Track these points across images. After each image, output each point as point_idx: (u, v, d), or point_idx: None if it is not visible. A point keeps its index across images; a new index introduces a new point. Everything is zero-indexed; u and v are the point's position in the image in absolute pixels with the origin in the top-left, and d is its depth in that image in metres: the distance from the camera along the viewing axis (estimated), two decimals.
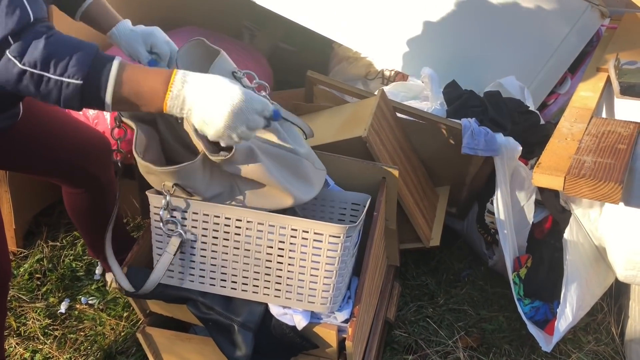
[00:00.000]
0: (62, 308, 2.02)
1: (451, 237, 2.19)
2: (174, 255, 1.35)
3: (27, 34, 1.02)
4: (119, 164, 1.44)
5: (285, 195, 1.35)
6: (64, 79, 1.04)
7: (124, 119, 1.33)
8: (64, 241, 2.26)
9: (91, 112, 2.00)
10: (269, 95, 1.33)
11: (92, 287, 2.10)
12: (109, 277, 2.09)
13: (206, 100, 1.10)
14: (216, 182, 1.33)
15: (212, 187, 1.32)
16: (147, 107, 1.11)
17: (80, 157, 1.67)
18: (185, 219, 1.36)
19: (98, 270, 2.14)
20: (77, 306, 2.04)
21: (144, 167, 1.29)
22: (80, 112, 2.00)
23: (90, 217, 1.84)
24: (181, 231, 1.34)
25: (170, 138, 1.40)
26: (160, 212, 1.33)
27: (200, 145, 1.26)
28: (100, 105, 1.09)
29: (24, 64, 1.02)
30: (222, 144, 1.19)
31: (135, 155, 1.29)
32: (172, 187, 1.29)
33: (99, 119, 1.99)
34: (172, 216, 1.35)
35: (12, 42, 1.01)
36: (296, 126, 1.44)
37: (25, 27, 1.02)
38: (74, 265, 2.18)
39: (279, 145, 1.36)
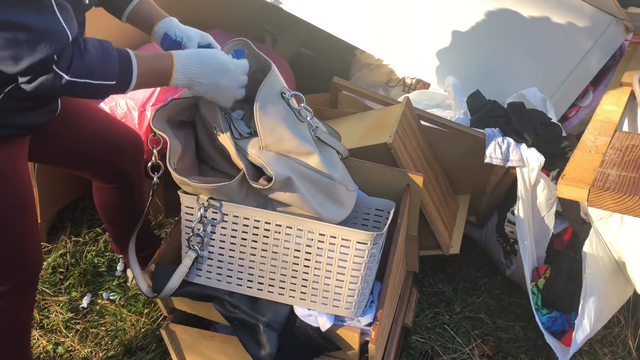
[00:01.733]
0: (84, 303, 2.05)
1: (469, 246, 2.20)
2: (189, 268, 1.42)
3: (67, 50, 1.19)
4: (156, 179, 1.48)
5: (316, 217, 1.39)
6: (102, 82, 1.24)
7: (157, 131, 1.37)
8: (86, 237, 2.29)
9: (119, 112, 2.03)
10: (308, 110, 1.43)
11: (114, 283, 2.13)
12: (130, 273, 2.13)
13: (206, 73, 1.32)
14: (251, 199, 1.38)
15: (246, 202, 1.38)
16: (157, 85, 1.40)
17: (112, 154, 1.71)
18: (216, 219, 1.39)
19: (119, 266, 2.17)
20: (99, 301, 2.07)
21: (180, 180, 1.33)
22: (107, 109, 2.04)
23: (118, 213, 1.88)
24: (198, 249, 1.41)
25: (207, 143, 1.42)
26: (193, 224, 1.37)
27: (240, 165, 1.30)
28: (123, 92, 1.30)
29: (70, 76, 1.20)
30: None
31: (170, 169, 1.32)
32: (207, 200, 1.34)
33: (126, 118, 2.02)
34: (203, 220, 1.38)
35: (56, 59, 1.17)
36: (332, 148, 1.49)
37: (66, 46, 1.18)
38: (96, 261, 2.21)
39: (317, 170, 1.41)
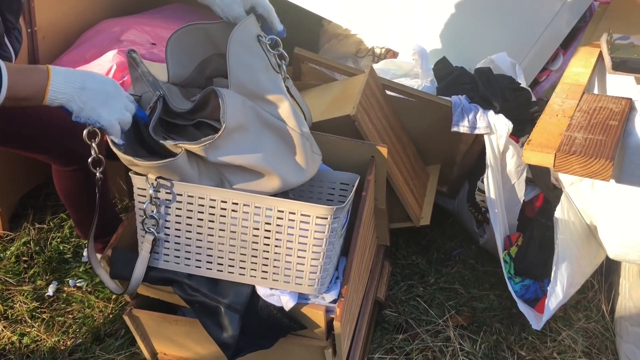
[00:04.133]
0: (50, 291, 2.00)
1: (442, 216, 2.18)
2: (150, 253, 1.36)
3: None
4: (99, 174, 1.36)
5: (274, 179, 1.33)
6: None
7: None
8: (50, 223, 2.23)
9: None
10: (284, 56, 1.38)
11: (80, 270, 2.07)
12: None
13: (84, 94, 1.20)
14: (206, 179, 1.31)
15: (202, 183, 1.31)
16: (30, 103, 1.18)
17: (66, 135, 1.64)
18: (169, 200, 1.34)
19: (85, 252, 2.11)
20: (65, 289, 2.02)
21: (126, 160, 1.27)
22: None
23: (79, 197, 1.82)
24: (154, 231, 1.35)
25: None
26: (145, 206, 1.32)
27: (177, 149, 1.24)
28: None
29: None
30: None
31: (114, 149, 1.26)
32: (155, 180, 1.28)
33: None
34: (155, 201, 1.32)
35: None
36: (299, 107, 1.42)
37: None
38: (61, 247, 2.15)
39: (284, 120, 1.34)
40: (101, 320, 1.91)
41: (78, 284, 2.03)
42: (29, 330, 1.88)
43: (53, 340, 1.86)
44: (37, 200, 2.31)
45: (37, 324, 1.90)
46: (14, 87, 1.13)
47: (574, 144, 1.34)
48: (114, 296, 1.97)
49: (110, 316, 1.92)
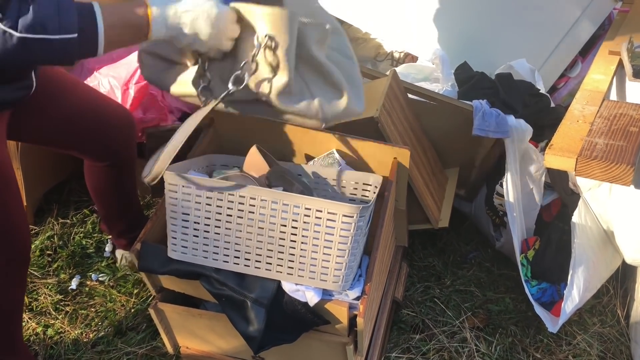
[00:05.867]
0: (73, 284, 2.04)
1: (458, 219, 2.20)
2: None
3: (10, 4, 1.03)
4: None
5: (344, 100, 1.35)
6: (61, 36, 1.06)
7: None
8: (74, 219, 2.27)
9: (102, 91, 2.00)
10: None
11: (102, 264, 2.12)
12: (118, 253, 2.11)
13: (191, 19, 1.17)
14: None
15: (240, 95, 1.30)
16: (134, 41, 1.18)
17: (100, 132, 1.68)
18: (200, 196, 1.37)
19: (108, 247, 2.16)
20: (88, 283, 2.06)
21: None
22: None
23: (109, 193, 1.86)
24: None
25: None
26: (177, 202, 1.35)
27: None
28: (93, 53, 1.12)
29: (21, 32, 1.03)
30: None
31: None
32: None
33: (111, 96, 1.99)
34: (185, 197, 1.36)
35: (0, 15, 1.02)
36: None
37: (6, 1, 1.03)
38: (84, 242, 2.20)
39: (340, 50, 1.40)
40: (123, 314, 1.95)
41: (100, 278, 2.07)
42: (53, 322, 1.93)
43: (76, 332, 1.90)
44: (61, 195, 2.36)
45: (60, 316, 1.94)
46: (112, 30, 1.11)
47: (595, 149, 1.37)
48: (135, 290, 2.01)
49: (132, 310, 1.96)
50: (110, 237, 2.15)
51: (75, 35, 1.07)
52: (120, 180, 1.82)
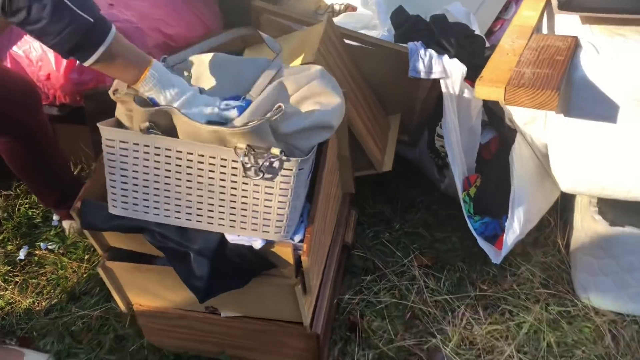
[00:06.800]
0: (21, 254, 2.02)
1: (404, 166, 2.24)
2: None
3: None
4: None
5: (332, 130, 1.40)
6: (83, 14, 1.14)
7: None
8: (17, 190, 2.23)
9: (34, 55, 1.94)
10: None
11: (51, 233, 2.09)
12: (65, 224, 2.09)
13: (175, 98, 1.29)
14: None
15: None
16: (123, 74, 1.26)
17: (4, 103, 1.64)
18: (137, 151, 1.36)
19: (55, 216, 2.13)
20: (37, 252, 2.04)
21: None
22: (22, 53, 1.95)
23: (29, 166, 1.82)
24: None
25: None
26: (115, 157, 1.34)
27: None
28: (90, 53, 1.18)
29: None
30: None
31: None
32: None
33: (42, 61, 1.94)
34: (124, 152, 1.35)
35: None
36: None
37: None
38: (30, 213, 2.16)
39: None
40: (75, 280, 1.94)
41: (50, 247, 2.05)
42: (2, 293, 1.90)
43: (28, 301, 1.88)
44: (2, 167, 2.29)
45: (10, 287, 1.92)
46: (115, 48, 1.19)
47: (522, 78, 1.41)
48: (86, 256, 2.00)
49: (85, 275, 1.95)
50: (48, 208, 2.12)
51: (93, 21, 1.15)
52: (36, 151, 1.78)
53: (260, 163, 1.29)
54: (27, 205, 2.18)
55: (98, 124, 1.37)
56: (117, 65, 1.23)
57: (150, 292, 1.63)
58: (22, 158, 1.79)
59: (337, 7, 2.51)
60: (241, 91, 1.41)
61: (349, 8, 2.47)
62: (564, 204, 2.00)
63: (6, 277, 1.95)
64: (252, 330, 1.63)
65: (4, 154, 1.80)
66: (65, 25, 1.13)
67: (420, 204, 2.18)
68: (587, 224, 1.75)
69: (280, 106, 1.27)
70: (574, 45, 1.54)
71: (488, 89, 1.41)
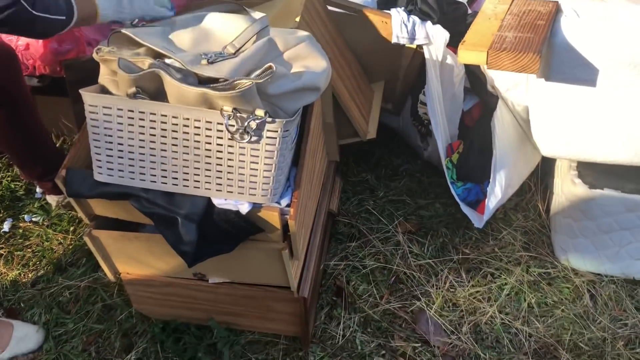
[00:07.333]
0: (5, 227, 2.01)
1: (388, 135, 2.26)
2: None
3: None
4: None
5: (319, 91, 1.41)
6: (56, 17, 1.33)
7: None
8: None
9: None
10: None
11: (35, 206, 2.08)
12: (51, 199, 2.07)
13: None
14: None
15: None
16: (89, 22, 1.43)
17: None
18: (121, 116, 1.36)
19: (38, 189, 2.11)
20: (21, 224, 2.03)
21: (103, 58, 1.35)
22: None
23: (11, 137, 1.80)
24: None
25: None
26: (98, 123, 1.34)
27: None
28: (62, 30, 1.37)
29: (36, 11, 1.29)
30: None
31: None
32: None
33: None
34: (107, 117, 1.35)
35: None
36: None
37: None
38: (12, 186, 2.15)
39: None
40: (61, 252, 1.94)
41: (34, 219, 2.04)
42: None
43: (14, 273, 1.88)
44: None
45: None
46: (81, 12, 1.37)
47: (504, 42, 1.43)
48: (72, 228, 2.00)
49: (70, 247, 1.95)
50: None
51: (64, 17, 1.34)
52: (19, 121, 1.76)
53: (245, 125, 1.29)
54: (9, 179, 2.16)
55: (80, 90, 1.36)
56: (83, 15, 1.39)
57: (137, 260, 1.64)
58: (4, 128, 1.77)
59: None
60: (221, 44, 1.40)
61: None
62: (545, 169, 2.04)
63: None
64: (240, 295, 1.65)
65: None
66: (42, 30, 1.33)
67: (404, 171, 2.20)
68: (566, 188, 1.79)
69: (270, 66, 1.27)
70: (555, 9, 1.56)
71: (471, 53, 1.42)
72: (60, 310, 1.79)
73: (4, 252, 1.94)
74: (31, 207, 2.08)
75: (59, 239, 1.97)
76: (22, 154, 1.88)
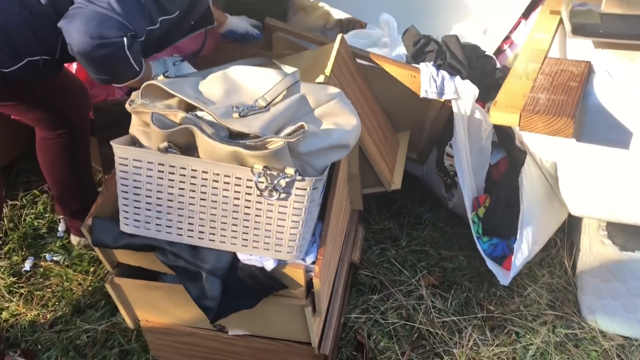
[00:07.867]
0: (27, 266, 2.01)
1: (412, 183, 2.24)
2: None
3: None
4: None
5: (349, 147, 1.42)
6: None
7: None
8: (23, 200, 2.22)
9: None
10: None
11: (57, 245, 2.08)
12: (74, 240, 2.07)
13: None
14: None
15: None
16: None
17: (58, 98, 1.69)
18: (151, 169, 1.35)
19: (61, 227, 2.12)
20: (42, 264, 2.03)
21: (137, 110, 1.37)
22: None
23: (62, 167, 1.84)
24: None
25: None
26: (127, 175, 1.34)
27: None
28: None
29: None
30: None
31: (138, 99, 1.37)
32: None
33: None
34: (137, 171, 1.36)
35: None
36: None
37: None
38: (35, 223, 2.15)
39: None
40: (80, 293, 1.93)
41: (55, 258, 2.04)
42: (7, 305, 1.89)
43: (33, 314, 1.87)
44: (9, 177, 2.29)
45: (15, 298, 1.91)
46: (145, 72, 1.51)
47: (537, 104, 1.41)
48: (92, 269, 1.99)
49: (90, 288, 1.94)
50: (62, 216, 2.11)
51: (138, 69, 1.48)
52: (74, 154, 1.80)
53: (275, 183, 1.28)
54: (32, 216, 2.17)
55: (111, 142, 1.37)
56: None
57: (158, 309, 1.62)
58: (60, 156, 1.82)
59: (345, 23, 2.52)
60: (252, 97, 1.40)
61: (357, 24, 2.47)
62: (571, 225, 2.00)
63: (11, 289, 1.94)
64: (259, 349, 1.62)
65: (42, 150, 1.83)
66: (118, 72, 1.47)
67: (427, 220, 2.18)
68: (595, 248, 1.75)
69: (302, 126, 1.27)
70: (588, 70, 1.55)
71: (503, 114, 1.41)
72: (77, 353, 1.77)
73: (25, 291, 1.94)
74: (52, 246, 2.08)
75: (79, 279, 1.96)
76: (65, 187, 1.90)
